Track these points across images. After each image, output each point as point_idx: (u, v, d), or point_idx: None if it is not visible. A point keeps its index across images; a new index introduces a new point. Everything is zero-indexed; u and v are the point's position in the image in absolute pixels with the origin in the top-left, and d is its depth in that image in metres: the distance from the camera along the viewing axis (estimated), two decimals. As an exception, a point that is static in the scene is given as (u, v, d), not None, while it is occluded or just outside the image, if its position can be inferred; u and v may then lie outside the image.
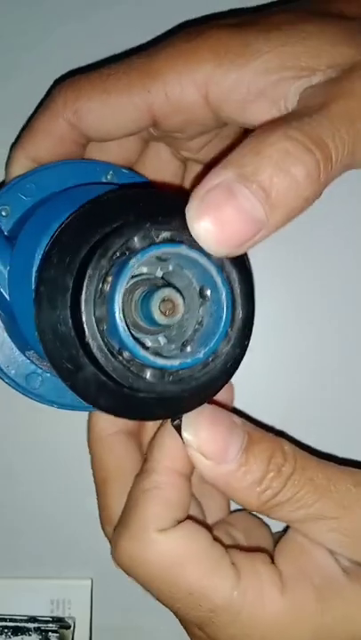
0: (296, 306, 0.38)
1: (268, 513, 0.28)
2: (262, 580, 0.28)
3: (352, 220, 0.37)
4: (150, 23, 0.35)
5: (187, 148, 0.33)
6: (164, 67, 0.27)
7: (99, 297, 0.23)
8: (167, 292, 0.23)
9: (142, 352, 0.23)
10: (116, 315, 0.23)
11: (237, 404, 0.38)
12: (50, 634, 0.38)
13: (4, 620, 0.38)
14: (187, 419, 0.27)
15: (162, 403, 0.25)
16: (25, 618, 0.38)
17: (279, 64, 0.26)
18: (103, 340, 0.23)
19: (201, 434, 0.27)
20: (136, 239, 0.23)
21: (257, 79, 0.26)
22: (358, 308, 0.38)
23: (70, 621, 0.39)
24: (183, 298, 0.23)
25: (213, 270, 0.24)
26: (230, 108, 0.27)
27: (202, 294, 0.25)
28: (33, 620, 0.38)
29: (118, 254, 0.23)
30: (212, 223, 0.22)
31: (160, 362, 0.23)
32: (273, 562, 0.29)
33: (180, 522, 0.28)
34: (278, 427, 0.37)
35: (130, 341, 0.23)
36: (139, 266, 0.23)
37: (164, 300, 0.23)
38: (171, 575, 0.27)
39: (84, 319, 0.23)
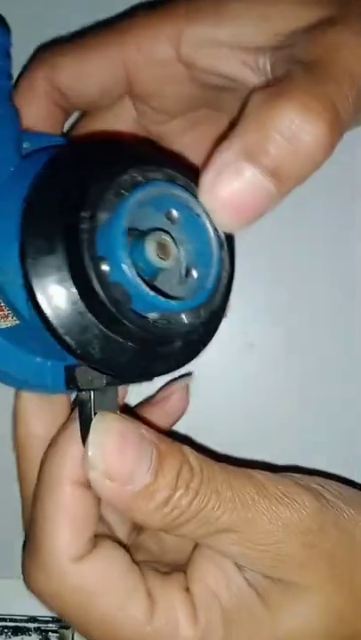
0: (297, 300, 0.38)
1: (171, 531, 0.26)
2: (177, 612, 0.27)
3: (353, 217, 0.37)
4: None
5: (166, 137, 0.32)
6: (138, 23, 0.28)
7: (98, 233, 0.22)
8: (160, 233, 0.23)
9: (148, 290, 0.22)
10: (122, 253, 0.22)
11: (237, 404, 0.38)
12: (50, 634, 0.38)
13: (4, 619, 0.38)
14: (93, 435, 0.25)
15: (157, 353, 0.25)
16: (25, 618, 0.38)
17: (253, 22, 0.26)
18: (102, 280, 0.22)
19: (108, 457, 0.24)
20: (134, 176, 0.23)
21: (230, 35, 0.26)
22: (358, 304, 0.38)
23: (70, 621, 0.39)
24: (175, 242, 0.23)
25: (211, 232, 0.24)
26: (203, 63, 0.27)
27: (187, 272, 0.25)
28: (33, 619, 0.38)
29: (113, 194, 0.23)
30: (225, 204, 0.23)
31: (164, 301, 0.23)
32: (187, 584, 0.28)
33: (92, 540, 0.27)
34: (275, 424, 0.37)
35: (136, 280, 0.22)
36: (141, 201, 0.23)
37: (158, 244, 0.23)
38: (84, 607, 0.26)
39: (86, 258, 0.22)
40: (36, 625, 0.38)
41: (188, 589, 0.28)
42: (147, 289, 0.22)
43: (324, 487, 0.28)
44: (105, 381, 0.25)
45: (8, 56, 0.28)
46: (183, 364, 0.26)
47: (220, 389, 0.38)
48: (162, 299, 0.22)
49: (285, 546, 0.26)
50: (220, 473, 0.26)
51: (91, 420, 0.25)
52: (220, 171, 0.23)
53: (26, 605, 0.38)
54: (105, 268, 0.22)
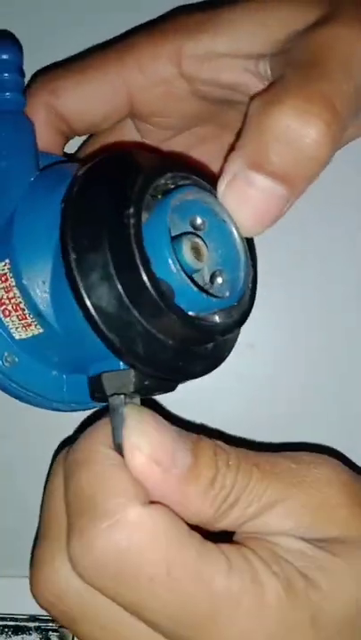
0: (297, 300, 0.38)
1: (223, 518, 0.24)
2: (252, 560, 0.24)
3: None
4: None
5: (170, 145, 0.32)
6: (137, 44, 0.28)
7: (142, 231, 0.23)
8: (193, 236, 0.24)
9: (193, 286, 0.23)
10: (168, 251, 0.22)
11: (237, 404, 0.38)
12: (50, 633, 0.38)
13: (5, 619, 0.38)
14: (131, 420, 0.23)
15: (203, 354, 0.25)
16: (25, 617, 0.38)
17: (250, 30, 0.26)
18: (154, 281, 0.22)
19: (151, 437, 0.23)
20: (165, 182, 0.24)
21: (229, 45, 0.27)
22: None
23: (71, 620, 0.39)
24: (206, 245, 0.24)
25: (237, 237, 0.25)
26: (205, 76, 0.28)
27: (212, 278, 0.25)
28: (33, 619, 0.38)
29: (152, 196, 0.23)
30: (245, 211, 0.24)
31: (207, 298, 0.23)
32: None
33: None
34: (275, 424, 0.37)
35: (181, 275, 0.22)
36: (177, 205, 0.23)
37: (192, 247, 0.24)
38: (163, 555, 0.23)
39: (136, 253, 0.22)
40: (36, 624, 0.38)
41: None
42: (192, 285, 0.23)
43: None
44: (133, 387, 0.24)
45: (22, 72, 0.29)
46: (216, 366, 0.26)
47: (219, 390, 0.38)
48: (205, 295, 0.23)
49: (335, 499, 0.26)
50: (251, 452, 0.26)
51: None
52: (232, 181, 0.24)
53: (26, 604, 0.38)
54: (151, 264, 0.22)
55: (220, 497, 0.24)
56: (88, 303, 0.22)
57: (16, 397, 0.28)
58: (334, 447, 0.36)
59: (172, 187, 0.24)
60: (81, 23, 0.37)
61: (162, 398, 0.35)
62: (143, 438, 0.23)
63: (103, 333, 0.23)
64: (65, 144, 0.31)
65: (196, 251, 0.24)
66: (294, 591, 0.24)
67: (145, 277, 0.22)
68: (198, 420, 0.37)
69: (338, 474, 0.27)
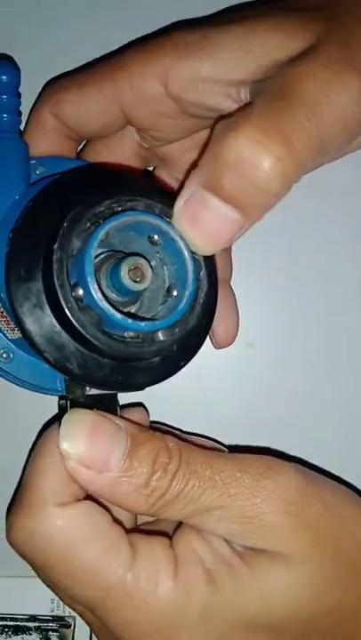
0: (296, 300, 0.38)
1: (157, 514, 0.27)
2: (157, 564, 0.27)
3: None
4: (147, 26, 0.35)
5: (170, 157, 0.33)
6: (130, 60, 0.29)
7: (71, 261, 0.24)
8: (135, 259, 0.24)
9: (116, 313, 0.24)
10: (89, 279, 0.23)
11: (237, 405, 0.38)
12: (50, 633, 0.38)
13: (5, 619, 0.38)
14: (65, 427, 0.26)
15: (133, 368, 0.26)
16: (25, 617, 0.38)
17: (234, 55, 0.27)
18: (76, 303, 0.24)
19: (80, 444, 0.26)
20: (106, 206, 0.25)
21: (213, 70, 0.27)
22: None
23: (71, 620, 0.39)
24: (150, 266, 0.25)
25: (187, 255, 0.25)
26: (189, 97, 0.28)
27: (169, 291, 0.26)
28: (33, 619, 0.38)
29: (89, 224, 0.25)
30: (196, 231, 0.24)
31: (132, 323, 0.24)
32: (171, 545, 0.29)
33: (76, 495, 0.28)
34: (274, 424, 0.37)
35: (103, 303, 0.24)
36: (108, 233, 0.24)
37: (132, 268, 0.24)
38: (68, 552, 0.27)
39: (57, 285, 0.24)
40: (36, 624, 0.38)
41: (171, 547, 0.29)
42: (114, 312, 0.24)
43: (306, 469, 0.29)
44: (85, 392, 0.27)
45: (18, 94, 0.30)
46: (163, 378, 0.28)
47: (220, 389, 0.38)
48: (129, 321, 0.24)
49: (270, 515, 0.27)
50: (200, 455, 0.27)
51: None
52: (188, 200, 0.24)
53: (26, 604, 0.38)
54: (79, 292, 0.24)
55: (152, 497, 0.27)
56: (23, 326, 0.25)
57: (16, 385, 0.30)
58: (334, 447, 0.36)
59: (117, 211, 0.25)
60: (81, 23, 0.37)
61: (159, 395, 0.34)
62: (73, 443, 0.26)
63: (40, 352, 0.25)
64: (77, 146, 0.32)
65: (138, 272, 0.24)
66: (188, 588, 0.27)
67: (66, 311, 0.24)
68: (197, 419, 0.37)
69: (284, 491, 0.27)
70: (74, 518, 0.27)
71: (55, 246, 0.24)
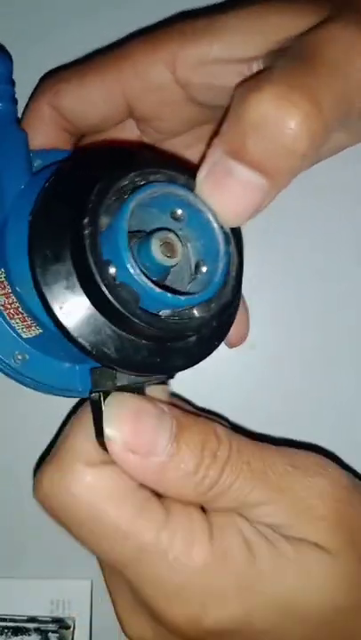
0: (297, 300, 0.38)
1: (205, 503, 0.27)
2: (193, 525, 0.26)
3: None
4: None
5: (170, 144, 0.32)
6: (134, 49, 0.28)
7: (101, 237, 0.23)
8: (165, 233, 0.24)
9: (155, 287, 0.23)
10: (124, 252, 0.22)
11: (238, 405, 0.38)
12: (50, 634, 0.38)
13: (4, 620, 0.38)
14: (108, 411, 0.25)
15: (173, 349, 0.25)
16: (25, 618, 0.38)
17: (244, 38, 0.26)
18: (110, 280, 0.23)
19: (125, 428, 0.25)
20: (134, 179, 0.24)
21: (222, 51, 0.27)
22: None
23: (70, 622, 0.39)
24: (180, 241, 0.24)
25: (216, 227, 0.24)
26: (199, 81, 0.28)
27: (197, 267, 0.25)
28: (33, 620, 0.38)
29: (114, 198, 0.23)
30: (222, 201, 0.23)
31: (171, 297, 0.23)
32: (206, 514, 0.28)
33: (107, 457, 0.27)
34: (275, 421, 0.37)
35: (141, 278, 0.22)
36: (139, 203, 0.23)
37: (162, 243, 0.23)
38: (98, 510, 0.26)
39: (91, 262, 0.22)
40: (35, 625, 0.38)
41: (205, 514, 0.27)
42: (153, 286, 0.22)
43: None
44: (118, 382, 0.25)
45: (11, 82, 0.29)
46: (200, 359, 0.26)
47: (220, 390, 0.38)
48: (169, 295, 0.23)
49: (320, 510, 0.27)
50: (252, 446, 0.27)
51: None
52: (211, 170, 0.23)
53: (26, 606, 0.38)
54: (111, 270, 0.23)
55: (203, 485, 0.26)
56: (54, 311, 0.23)
57: (33, 389, 0.29)
58: (334, 445, 0.36)
59: (141, 184, 0.24)
60: (81, 23, 0.37)
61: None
62: (118, 427, 0.25)
63: (73, 339, 0.23)
64: (73, 141, 0.31)
65: (168, 246, 0.24)
66: (224, 553, 0.26)
67: (103, 288, 0.22)
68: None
69: (334, 489, 0.28)
70: (103, 476, 0.26)
71: (85, 221, 0.22)
